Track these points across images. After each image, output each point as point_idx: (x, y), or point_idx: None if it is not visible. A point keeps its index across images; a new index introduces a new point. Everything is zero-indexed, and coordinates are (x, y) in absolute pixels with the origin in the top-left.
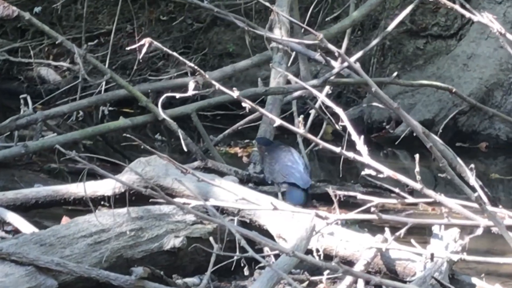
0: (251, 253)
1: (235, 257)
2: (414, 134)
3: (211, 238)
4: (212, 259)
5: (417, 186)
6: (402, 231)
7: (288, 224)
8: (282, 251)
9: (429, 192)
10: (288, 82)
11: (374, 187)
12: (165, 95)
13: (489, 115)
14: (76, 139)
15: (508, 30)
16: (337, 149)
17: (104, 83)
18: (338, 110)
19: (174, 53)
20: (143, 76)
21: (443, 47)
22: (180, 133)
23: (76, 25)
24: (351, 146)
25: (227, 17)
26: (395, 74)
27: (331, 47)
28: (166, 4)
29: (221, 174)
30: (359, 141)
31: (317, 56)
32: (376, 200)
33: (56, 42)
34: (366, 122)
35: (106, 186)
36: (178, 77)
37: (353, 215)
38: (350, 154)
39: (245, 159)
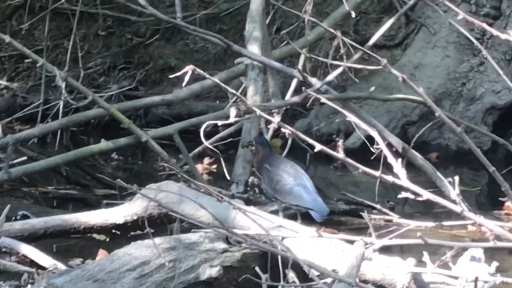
0: (320, 284)
1: (280, 286)
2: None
3: (257, 268)
4: None
5: (457, 209)
6: (448, 255)
7: (316, 250)
8: (343, 280)
9: (469, 214)
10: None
11: (356, 204)
12: (206, 123)
13: (438, 125)
14: (58, 164)
15: (454, 39)
16: (377, 173)
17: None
18: (373, 133)
19: (223, 85)
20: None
21: (388, 57)
22: (164, 155)
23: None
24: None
25: (202, 35)
26: (372, 88)
27: (395, 72)
28: (104, 19)
29: None
30: (397, 164)
31: (295, 72)
32: (413, 223)
33: (37, 65)
34: (314, 135)
35: (117, 214)
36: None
37: (398, 240)
38: (389, 178)
39: (205, 177)
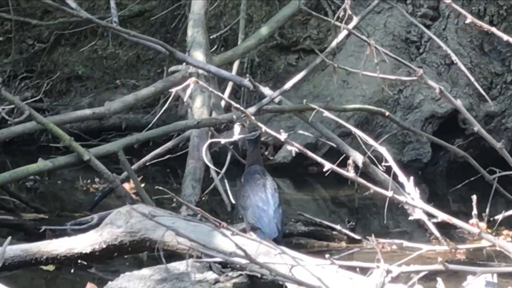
0: None
1: None
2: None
3: None
4: None
5: (475, 230)
6: (470, 280)
7: (324, 279)
8: None
9: (487, 236)
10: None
11: (315, 225)
12: (209, 141)
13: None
14: None
15: (390, 42)
16: (389, 194)
17: None
18: (381, 149)
19: (226, 98)
20: None
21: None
22: (109, 175)
23: None
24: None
25: (142, 41)
26: (328, 99)
27: (432, 83)
28: (1, 23)
29: None
30: (409, 184)
31: (246, 81)
32: (425, 247)
33: None
34: (241, 149)
35: (83, 243)
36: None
37: (417, 266)
38: (403, 198)
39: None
